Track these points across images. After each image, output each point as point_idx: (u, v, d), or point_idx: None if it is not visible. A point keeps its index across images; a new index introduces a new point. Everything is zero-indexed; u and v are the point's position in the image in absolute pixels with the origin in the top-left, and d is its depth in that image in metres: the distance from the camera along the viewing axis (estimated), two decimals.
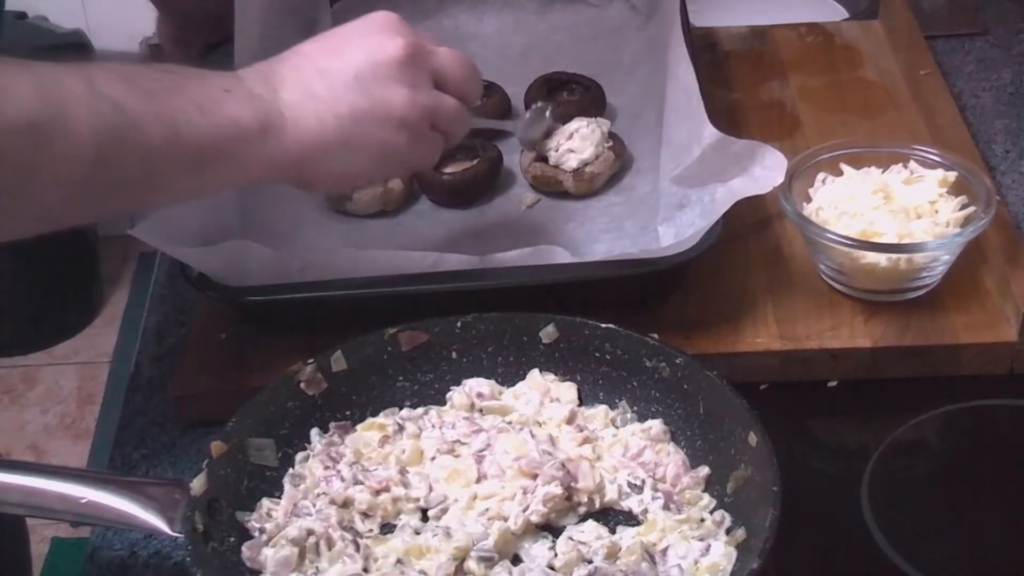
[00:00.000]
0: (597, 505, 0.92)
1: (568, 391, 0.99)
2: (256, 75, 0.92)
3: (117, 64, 0.85)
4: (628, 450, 0.94)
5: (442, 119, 0.98)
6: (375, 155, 0.96)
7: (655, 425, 0.95)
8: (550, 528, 0.91)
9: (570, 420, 0.97)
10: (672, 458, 0.93)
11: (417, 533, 0.90)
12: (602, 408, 0.98)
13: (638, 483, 0.92)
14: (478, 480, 0.93)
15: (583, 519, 0.91)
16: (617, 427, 0.97)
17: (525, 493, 0.91)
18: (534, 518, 0.90)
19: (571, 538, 0.88)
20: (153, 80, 0.85)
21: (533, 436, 0.94)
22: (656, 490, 0.91)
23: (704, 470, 0.92)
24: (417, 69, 0.96)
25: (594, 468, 0.92)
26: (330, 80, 0.93)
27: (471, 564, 0.87)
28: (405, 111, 0.95)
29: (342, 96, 0.93)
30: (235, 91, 0.89)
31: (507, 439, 0.94)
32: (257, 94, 0.90)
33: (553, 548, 0.88)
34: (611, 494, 0.92)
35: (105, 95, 0.80)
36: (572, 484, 0.91)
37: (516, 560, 0.89)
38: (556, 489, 0.90)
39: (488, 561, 0.87)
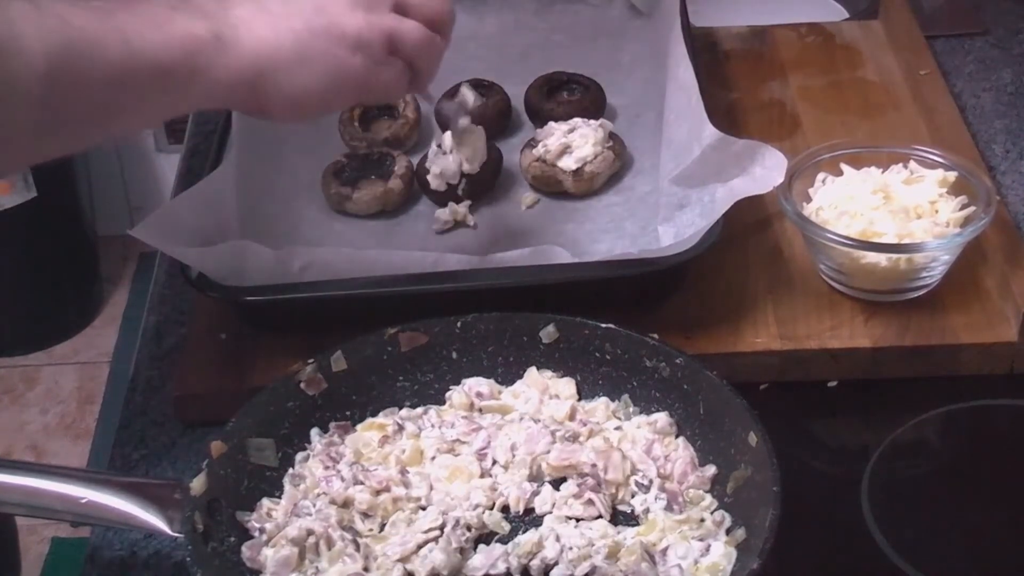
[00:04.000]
0: (619, 495, 0.92)
1: (567, 387, 0.99)
2: None
3: None
4: (637, 444, 0.94)
5: (404, 45, 0.96)
6: (331, 74, 0.94)
7: (661, 418, 0.95)
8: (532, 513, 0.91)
9: (571, 416, 0.97)
10: (680, 454, 0.93)
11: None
12: (602, 401, 0.98)
13: (645, 483, 0.92)
14: (481, 476, 0.93)
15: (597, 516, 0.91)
16: (620, 419, 0.97)
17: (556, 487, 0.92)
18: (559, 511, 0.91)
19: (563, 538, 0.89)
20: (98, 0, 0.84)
21: (537, 422, 0.95)
22: (662, 490, 0.91)
23: (711, 469, 0.92)
24: None
25: (625, 459, 0.93)
26: None
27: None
28: (359, 30, 0.93)
29: (295, 12, 0.91)
30: (183, 7, 0.88)
31: (510, 429, 0.94)
32: (208, 10, 0.89)
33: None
34: (620, 492, 0.92)
35: (52, 12, 0.79)
36: (602, 475, 0.91)
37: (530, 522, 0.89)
38: (589, 481, 0.91)
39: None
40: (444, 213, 1.19)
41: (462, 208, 1.19)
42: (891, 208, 1.08)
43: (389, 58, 0.96)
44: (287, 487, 0.93)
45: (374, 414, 0.99)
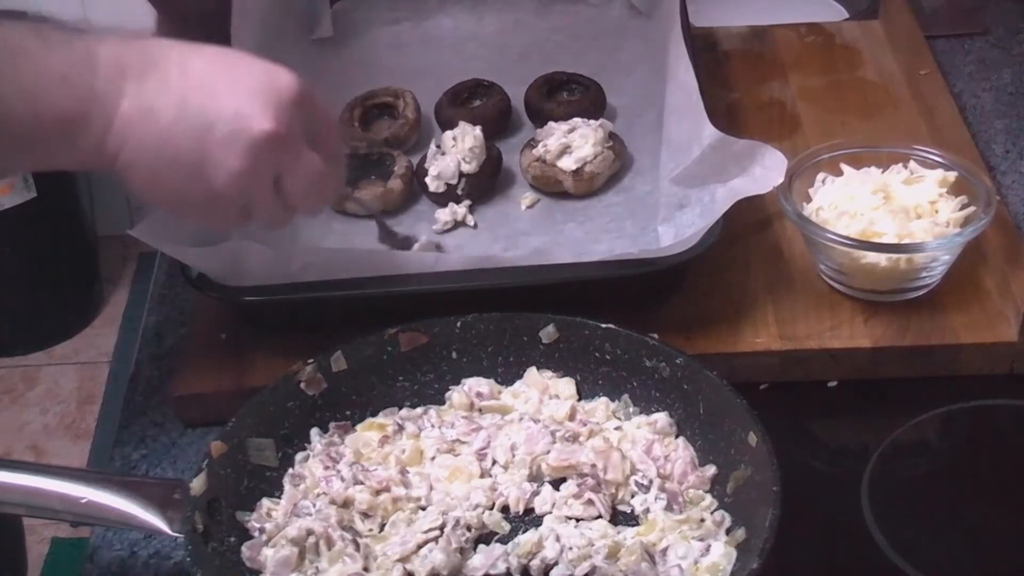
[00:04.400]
0: (619, 495, 0.92)
1: (567, 387, 0.99)
2: (117, 57, 0.86)
3: None
4: (636, 444, 0.94)
5: (292, 190, 0.91)
6: (176, 201, 0.91)
7: (661, 418, 0.95)
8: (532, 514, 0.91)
9: (571, 416, 0.97)
10: (680, 454, 0.93)
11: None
12: (602, 400, 0.98)
13: (645, 483, 0.92)
14: (481, 476, 0.93)
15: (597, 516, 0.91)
16: (620, 419, 0.97)
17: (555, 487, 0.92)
18: (558, 511, 0.91)
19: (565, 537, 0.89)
20: (1, 41, 0.83)
21: (536, 422, 0.95)
22: (662, 490, 0.91)
23: (711, 469, 0.92)
24: (267, 160, 0.88)
25: (625, 459, 0.93)
26: (182, 113, 0.86)
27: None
28: (224, 189, 0.88)
29: (178, 138, 0.87)
30: (74, 80, 0.85)
31: (510, 429, 0.94)
32: (98, 90, 0.85)
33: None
34: (620, 492, 0.92)
35: None
36: (601, 475, 0.91)
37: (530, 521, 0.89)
38: (589, 481, 0.91)
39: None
40: (444, 213, 1.19)
41: (462, 208, 1.19)
42: (891, 208, 1.08)
43: (240, 210, 0.92)
44: (287, 487, 0.93)
45: (374, 414, 0.99)
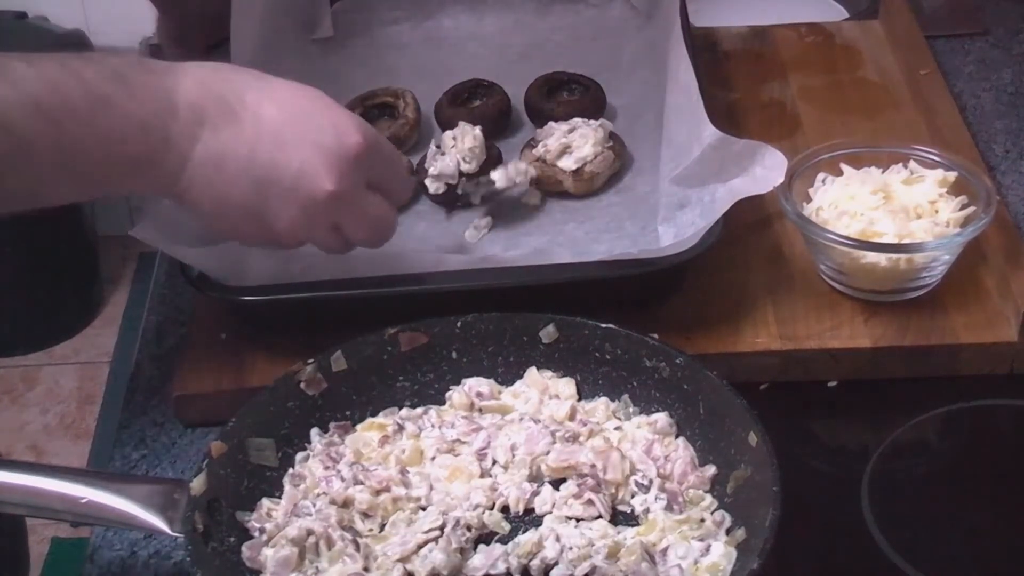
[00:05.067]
0: (619, 495, 0.92)
1: (567, 387, 0.99)
2: (196, 102, 0.90)
3: (65, 57, 0.86)
4: (636, 444, 0.94)
5: (350, 236, 0.98)
6: (237, 236, 0.97)
7: (661, 418, 0.95)
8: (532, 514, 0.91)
9: (571, 416, 0.97)
10: (680, 454, 0.93)
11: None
12: (602, 400, 0.98)
13: (645, 483, 0.92)
14: (481, 476, 0.93)
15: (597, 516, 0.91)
16: (620, 419, 0.97)
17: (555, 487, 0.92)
18: (558, 511, 0.91)
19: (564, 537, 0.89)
20: (84, 87, 0.85)
21: (536, 422, 0.95)
22: (662, 490, 0.91)
23: (711, 469, 0.92)
24: (325, 214, 0.94)
25: (624, 459, 0.93)
26: (251, 164, 0.91)
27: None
28: (282, 234, 0.95)
29: (243, 187, 0.92)
30: (153, 129, 0.88)
31: (510, 429, 0.94)
32: (174, 136, 0.89)
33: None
34: (620, 492, 0.92)
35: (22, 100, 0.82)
36: (601, 475, 0.91)
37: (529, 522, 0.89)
38: (589, 481, 0.91)
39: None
40: (503, 174, 1.19)
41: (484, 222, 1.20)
42: (891, 208, 1.08)
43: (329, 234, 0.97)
44: (287, 487, 0.93)
45: (374, 414, 0.99)
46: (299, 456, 0.95)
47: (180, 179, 0.91)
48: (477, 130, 1.21)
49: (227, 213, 0.93)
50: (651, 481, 0.92)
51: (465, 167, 1.19)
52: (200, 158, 0.90)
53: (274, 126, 0.92)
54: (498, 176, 1.18)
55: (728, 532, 0.88)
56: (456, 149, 1.20)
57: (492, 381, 1.00)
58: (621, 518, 0.92)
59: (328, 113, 0.94)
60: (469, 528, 0.90)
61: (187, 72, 0.91)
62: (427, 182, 1.20)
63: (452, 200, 1.21)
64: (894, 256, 1.05)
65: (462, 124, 1.22)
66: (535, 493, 0.93)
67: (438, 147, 1.21)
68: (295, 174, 0.92)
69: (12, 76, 0.83)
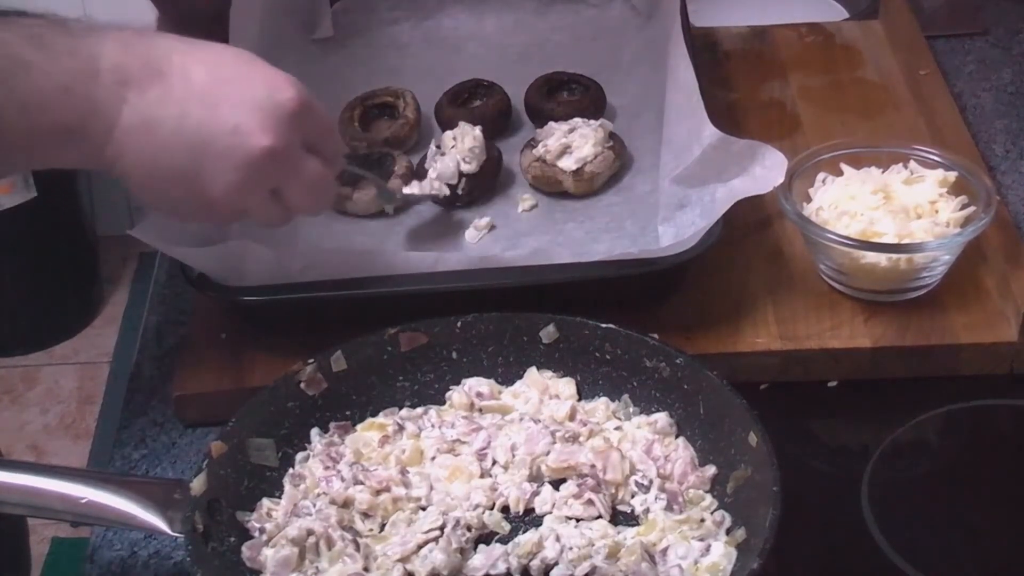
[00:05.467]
0: (619, 495, 0.92)
1: (567, 387, 0.99)
2: (120, 64, 0.85)
3: None
4: (636, 444, 0.94)
5: (289, 197, 0.93)
6: (171, 206, 0.93)
7: (661, 418, 0.95)
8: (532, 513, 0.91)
9: (571, 416, 0.97)
10: (680, 454, 0.93)
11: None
12: (602, 401, 0.98)
13: (645, 483, 0.92)
14: (481, 476, 0.93)
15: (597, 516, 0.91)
16: (620, 419, 0.97)
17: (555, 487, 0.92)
18: (558, 511, 0.91)
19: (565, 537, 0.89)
20: (1, 51, 0.82)
21: (536, 422, 0.95)
22: (662, 490, 0.91)
23: (711, 470, 0.92)
24: (264, 174, 0.90)
25: (624, 459, 0.93)
26: (182, 126, 0.87)
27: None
28: (220, 199, 0.90)
29: (176, 151, 0.87)
30: (75, 91, 0.84)
31: (510, 429, 0.94)
32: (99, 100, 0.85)
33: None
34: (620, 492, 0.92)
35: None
36: (601, 476, 0.91)
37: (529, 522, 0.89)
38: (589, 481, 0.91)
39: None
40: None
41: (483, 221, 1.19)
42: (891, 208, 1.08)
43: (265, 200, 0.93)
44: (287, 487, 0.93)
45: (374, 414, 0.99)
46: (299, 456, 0.95)
47: (108, 146, 0.86)
48: (477, 130, 1.21)
49: (158, 182, 0.88)
50: (651, 481, 0.92)
51: (465, 167, 1.19)
52: (127, 123, 0.86)
53: (204, 86, 0.87)
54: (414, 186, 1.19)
55: (728, 532, 0.88)
56: (456, 149, 1.20)
57: (492, 381, 1.00)
58: (621, 518, 0.92)
59: (259, 70, 0.90)
60: (469, 528, 0.90)
61: (109, 35, 0.87)
62: (424, 184, 1.19)
63: (452, 200, 1.21)
64: (894, 256, 1.05)
65: (462, 124, 1.22)
66: (535, 493, 0.93)
67: (438, 147, 1.21)
68: (229, 133, 0.87)
69: None
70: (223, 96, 0.88)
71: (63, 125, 0.85)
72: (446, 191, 1.19)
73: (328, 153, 0.95)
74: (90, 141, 0.86)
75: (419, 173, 1.22)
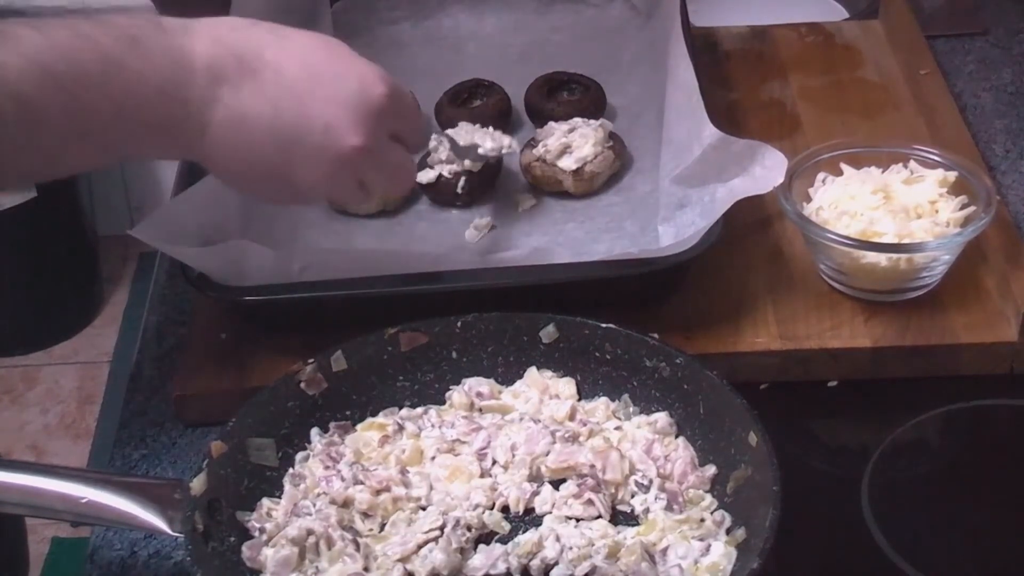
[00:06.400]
0: (619, 495, 0.92)
1: (567, 387, 0.99)
2: (213, 61, 0.86)
3: (75, 21, 0.83)
4: (636, 444, 0.94)
5: (373, 184, 0.95)
6: (260, 194, 0.95)
7: (661, 418, 0.95)
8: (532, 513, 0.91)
9: (571, 416, 0.97)
10: (680, 454, 0.93)
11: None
12: (602, 400, 0.98)
13: (645, 483, 0.92)
14: (481, 476, 0.93)
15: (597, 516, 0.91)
16: (620, 419, 0.97)
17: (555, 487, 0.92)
18: (558, 511, 0.91)
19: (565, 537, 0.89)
20: (96, 52, 0.82)
21: (536, 422, 0.95)
22: (662, 490, 0.91)
23: (711, 469, 0.92)
24: (352, 169, 0.91)
25: (623, 459, 0.93)
26: (274, 123, 0.88)
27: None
28: (308, 192, 0.92)
29: (268, 147, 0.88)
30: (170, 92, 0.85)
31: (510, 429, 0.94)
32: (193, 99, 0.86)
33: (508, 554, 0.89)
34: (620, 492, 0.92)
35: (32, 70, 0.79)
36: (600, 475, 0.91)
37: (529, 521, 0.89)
38: (589, 481, 0.91)
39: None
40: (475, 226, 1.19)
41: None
42: (891, 208, 1.08)
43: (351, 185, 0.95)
44: (287, 487, 0.93)
45: (374, 414, 0.99)
46: (299, 456, 0.95)
47: (200, 142, 0.88)
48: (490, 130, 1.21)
49: (249, 173, 0.90)
50: (651, 481, 0.92)
51: (467, 165, 1.19)
52: (221, 120, 0.87)
53: (296, 82, 0.88)
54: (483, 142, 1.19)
55: (728, 532, 0.88)
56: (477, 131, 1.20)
57: (492, 381, 1.00)
58: (621, 518, 0.92)
59: (350, 64, 0.91)
60: (469, 528, 0.90)
61: (202, 30, 0.88)
62: (419, 176, 1.19)
63: (452, 200, 1.21)
64: (894, 256, 1.05)
65: (462, 124, 1.22)
66: (535, 493, 0.93)
67: (439, 141, 1.21)
68: (320, 131, 0.88)
69: (20, 44, 0.79)
70: (315, 93, 0.89)
71: (157, 125, 0.86)
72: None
73: (412, 138, 0.97)
74: (184, 138, 0.88)
75: (420, 171, 1.21)
